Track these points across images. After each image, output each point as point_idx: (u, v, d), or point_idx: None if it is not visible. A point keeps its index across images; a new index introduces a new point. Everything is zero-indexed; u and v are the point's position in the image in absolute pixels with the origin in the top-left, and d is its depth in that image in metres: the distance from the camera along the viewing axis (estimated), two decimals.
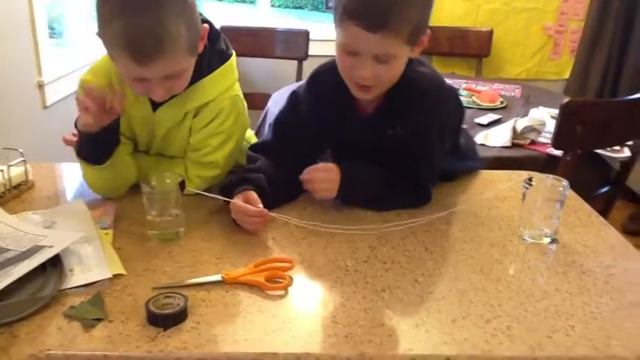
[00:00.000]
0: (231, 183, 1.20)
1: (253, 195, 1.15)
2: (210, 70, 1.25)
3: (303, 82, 1.41)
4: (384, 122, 1.26)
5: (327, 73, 1.27)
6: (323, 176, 1.22)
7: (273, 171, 1.25)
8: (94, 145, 1.20)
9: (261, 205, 1.13)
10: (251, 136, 1.53)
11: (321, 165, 1.23)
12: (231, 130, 1.29)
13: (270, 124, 2.27)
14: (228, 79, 1.29)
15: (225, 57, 1.29)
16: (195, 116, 1.27)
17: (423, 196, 1.27)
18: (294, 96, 1.38)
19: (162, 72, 1.11)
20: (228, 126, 1.28)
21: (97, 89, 1.16)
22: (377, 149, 1.27)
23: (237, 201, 1.14)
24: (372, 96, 1.22)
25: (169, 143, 1.31)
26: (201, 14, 1.25)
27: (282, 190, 1.24)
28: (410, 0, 1.10)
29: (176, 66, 1.13)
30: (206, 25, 1.19)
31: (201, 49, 1.19)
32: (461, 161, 1.44)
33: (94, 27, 1.12)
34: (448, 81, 1.34)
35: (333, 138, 1.36)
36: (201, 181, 1.28)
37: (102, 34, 1.11)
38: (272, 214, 1.15)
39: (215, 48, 1.26)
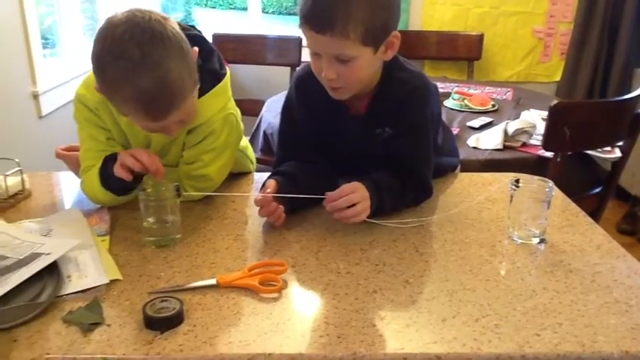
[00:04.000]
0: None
1: (271, 183, 1.20)
2: (202, 90, 1.23)
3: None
4: (374, 122, 1.29)
5: (311, 75, 1.27)
6: (356, 197, 1.17)
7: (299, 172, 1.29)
8: (123, 184, 1.20)
9: (269, 190, 1.17)
10: (246, 146, 1.53)
11: (346, 187, 1.18)
12: (223, 146, 1.30)
13: (264, 132, 2.32)
14: (220, 100, 1.29)
15: (219, 77, 1.29)
16: (188, 133, 1.29)
17: (429, 191, 1.33)
18: (285, 107, 1.40)
19: (176, 119, 1.15)
20: (220, 143, 1.29)
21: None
22: (372, 148, 1.30)
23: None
24: (345, 96, 1.24)
25: (163, 155, 1.31)
26: (193, 27, 1.27)
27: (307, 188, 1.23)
28: (356, 3, 1.12)
29: (187, 109, 1.16)
30: (195, 49, 1.17)
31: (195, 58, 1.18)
32: (437, 157, 1.42)
33: (88, 39, 1.14)
34: (439, 85, 1.37)
35: (331, 138, 1.38)
36: (194, 190, 1.29)
37: (109, 96, 1.14)
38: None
39: (207, 67, 1.26)
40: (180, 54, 1.10)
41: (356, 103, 1.30)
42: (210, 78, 1.26)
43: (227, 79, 1.31)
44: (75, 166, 1.36)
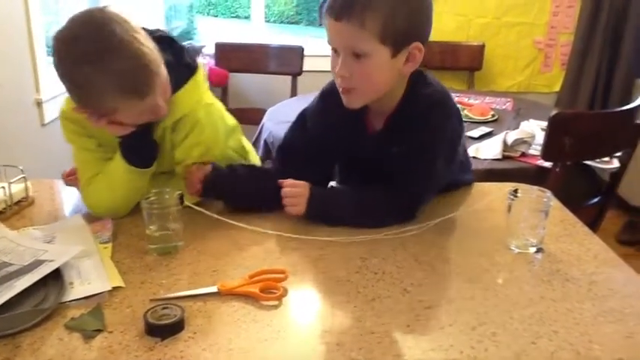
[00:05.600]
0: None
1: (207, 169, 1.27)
2: (180, 84, 1.27)
3: (299, 97, 1.44)
4: (391, 139, 1.28)
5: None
6: (290, 192, 1.26)
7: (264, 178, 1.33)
8: (138, 144, 1.26)
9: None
10: (249, 151, 1.55)
11: (289, 181, 1.27)
12: (210, 140, 1.32)
13: (265, 141, 2.33)
14: (198, 91, 1.32)
15: (192, 70, 1.31)
16: (173, 131, 1.31)
17: (407, 215, 1.27)
18: (302, 115, 1.41)
19: (160, 92, 1.18)
20: (206, 136, 1.30)
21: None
22: (383, 166, 1.29)
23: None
24: (358, 103, 1.24)
25: (158, 161, 1.32)
26: (160, 30, 1.30)
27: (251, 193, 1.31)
28: None
29: (163, 81, 1.19)
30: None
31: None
32: (457, 174, 1.45)
33: None
34: None
35: (341, 154, 1.39)
36: None
37: (91, 105, 1.17)
38: (266, 230, 1.19)
39: (181, 62, 1.29)
40: (130, 28, 1.13)
41: (375, 119, 1.31)
42: (185, 72, 1.29)
43: (200, 70, 1.33)
44: None
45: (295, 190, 1.26)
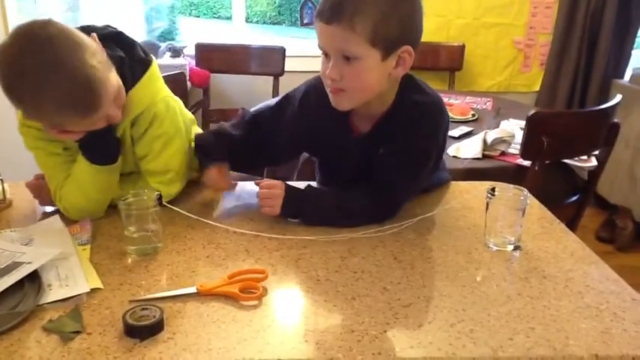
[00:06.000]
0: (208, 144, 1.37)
1: (225, 169, 1.35)
2: (135, 79, 1.26)
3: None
4: (377, 143, 1.28)
5: (323, 88, 1.28)
6: (266, 193, 1.27)
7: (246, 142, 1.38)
8: (98, 142, 1.23)
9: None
10: None
11: (266, 182, 1.29)
12: (170, 131, 1.31)
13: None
14: (154, 85, 1.31)
15: (147, 64, 1.30)
16: (132, 126, 1.29)
17: (386, 214, 1.28)
18: (285, 99, 1.41)
19: (110, 102, 1.16)
20: (165, 128, 1.30)
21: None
22: (366, 167, 1.30)
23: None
24: (346, 105, 1.24)
25: (122, 158, 1.31)
26: (109, 27, 1.29)
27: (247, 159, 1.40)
28: (371, 0, 1.14)
29: (114, 86, 1.16)
30: (93, 35, 1.17)
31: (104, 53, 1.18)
32: (434, 172, 1.47)
33: None
34: None
35: (323, 154, 1.39)
36: (162, 185, 1.31)
37: (38, 117, 1.16)
38: (245, 230, 1.19)
39: (135, 58, 1.28)
40: (74, 43, 1.10)
41: (361, 122, 1.31)
42: (139, 67, 1.28)
43: (154, 64, 1.32)
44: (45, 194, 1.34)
45: (271, 192, 1.26)
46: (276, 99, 1.44)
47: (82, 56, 1.09)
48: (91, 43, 1.14)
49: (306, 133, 1.36)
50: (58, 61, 1.07)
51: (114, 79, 1.17)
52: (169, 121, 1.30)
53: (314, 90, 1.34)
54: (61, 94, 1.08)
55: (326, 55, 1.20)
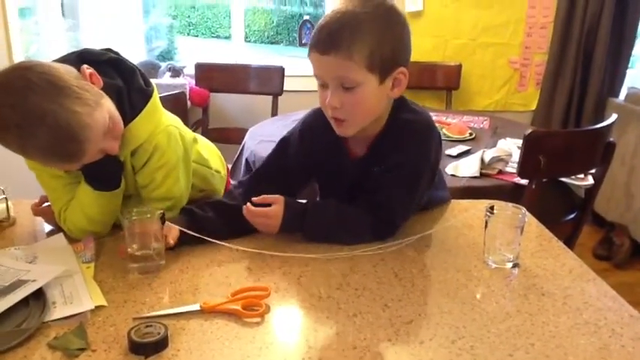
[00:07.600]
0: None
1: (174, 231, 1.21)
2: (134, 111, 1.24)
3: (280, 116, 1.47)
4: (374, 163, 1.30)
5: (319, 117, 1.31)
6: (264, 211, 1.25)
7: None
8: (100, 169, 1.22)
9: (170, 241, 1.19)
10: (201, 157, 1.49)
11: (267, 197, 1.27)
12: (172, 161, 1.30)
13: (246, 160, 2.35)
14: (154, 117, 1.29)
15: (147, 95, 1.28)
16: (133, 155, 1.29)
17: (386, 232, 1.29)
18: (284, 141, 1.43)
19: (99, 143, 1.15)
20: (167, 158, 1.29)
21: None
22: (364, 187, 1.31)
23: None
24: (350, 132, 1.26)
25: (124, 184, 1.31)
26: (110, 52, 1.27)
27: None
28: (363, 27, 1.16)
29: (104, 124, 1.14)
30: (84, 67, 1.15)
31: (99, 84, 1.17)
32: (432, 191, 1.49)
33: None
34: None
35: (321, 178, 1.41)
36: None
37: (24, 155, 1.15)
38: (247, 248, 1.20)
39: (134, 87, 1.26)
40: (55, 89, 1.07)
41: (357, 144, 1.33)
42: (139, 96, 1.26)
43: (155, 95, 1.29)
44: (51, 217, 1.35)
45: (268, 210, 1.25)
46: (274, 148, 1.44)
47: (63, 102, 1.07)
48: (76, 82, 1.11)
49: (310, 161, 1.38)
50: (38, 111, 1.05)
51: (103, 114, 1.14)
52: (171, 151, 1.30)
53: (312, 119, 1.38)
54: (45, 145, 1.08)
55: (323, 85, 1.22)
